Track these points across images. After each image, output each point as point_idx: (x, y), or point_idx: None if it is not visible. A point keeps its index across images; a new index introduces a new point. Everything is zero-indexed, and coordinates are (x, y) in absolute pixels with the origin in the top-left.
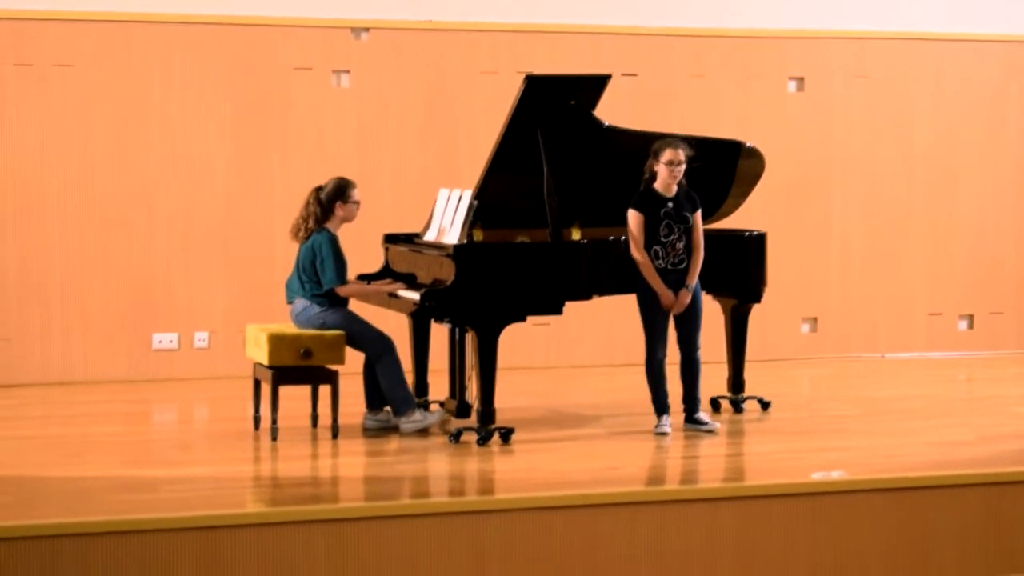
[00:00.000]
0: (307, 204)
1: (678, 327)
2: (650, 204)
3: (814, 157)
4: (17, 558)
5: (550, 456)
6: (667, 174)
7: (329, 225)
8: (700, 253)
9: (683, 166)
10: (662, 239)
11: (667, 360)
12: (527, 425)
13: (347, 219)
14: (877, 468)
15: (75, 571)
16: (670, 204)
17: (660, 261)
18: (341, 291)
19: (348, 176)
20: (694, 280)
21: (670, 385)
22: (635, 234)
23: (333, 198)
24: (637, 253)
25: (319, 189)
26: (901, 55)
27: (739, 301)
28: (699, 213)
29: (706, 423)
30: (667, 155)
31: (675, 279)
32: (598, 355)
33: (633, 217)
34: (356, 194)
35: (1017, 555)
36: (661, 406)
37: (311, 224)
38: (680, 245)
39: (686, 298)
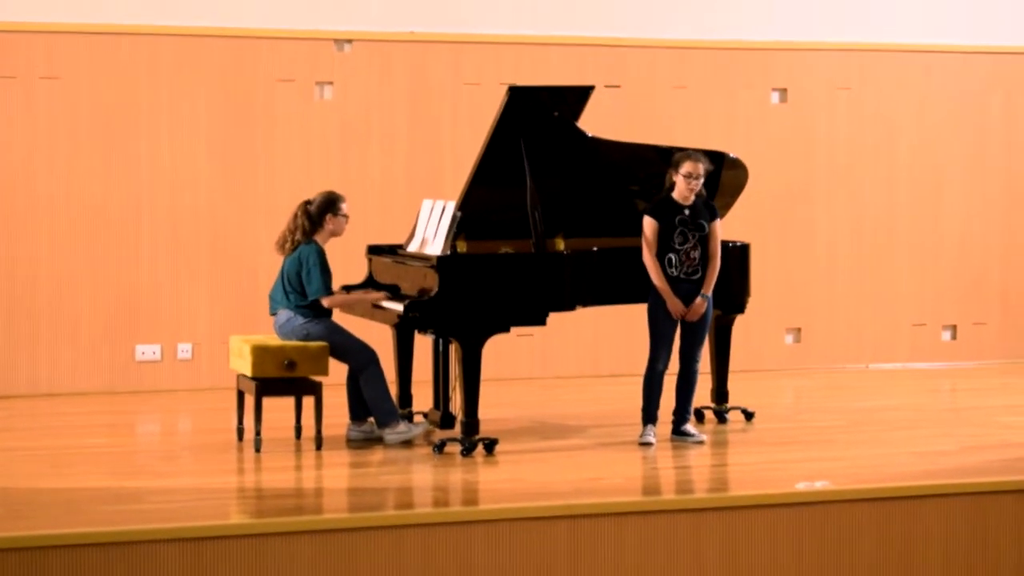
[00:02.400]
0: (295, 217)
1: (682, 338)
2: (666, 211)
3: (797, 168)
4: (6, 570)
5: (534, 467)
6: (684, 186)
7: (317, 238)
8: (716, 262)
9: (701, 179)
10: (676, 247)
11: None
12: (511, 436)
13: (336, 233)
14: (861, 478)
15: None
16: (686, 211)
17: (673, 270)
18: (326, 302)
19: (331, 187)
20: (710, 289)
21: (662, 396)
22: (648, 240)
23: (323, 211)
24: (648, 259)
25: (308, 203)
26: (884, 66)
27: (723, 312)
28: (717, 222)
29: (693, 434)
30: (686, 167)
31: (687, 289)
32: (582, 366)
33: (648, 223)
34: (345, 207)
35: (1001, 565)
36: (649, 416)
37: (298, 237)
38: (695, 255)
39: (701, 307)
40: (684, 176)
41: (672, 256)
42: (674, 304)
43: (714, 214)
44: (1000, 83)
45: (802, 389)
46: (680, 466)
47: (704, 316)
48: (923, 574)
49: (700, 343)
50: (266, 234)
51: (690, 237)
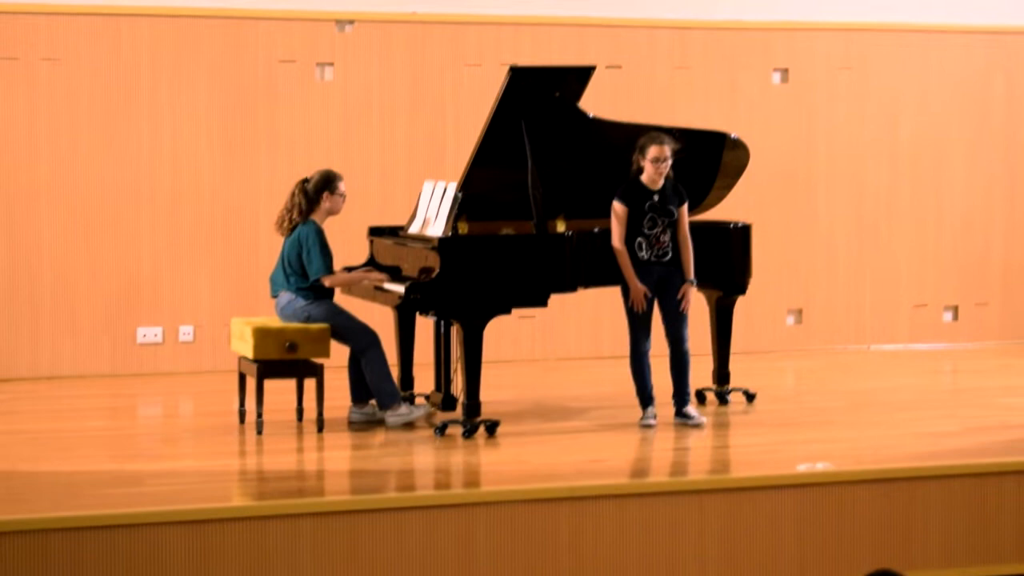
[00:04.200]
0: (292, 195)
1: (665, 321)
2: (635, 196)
3: (799, 149)
4: (8, 552)
5: (536, 449)
6: (652, 170)
7: (315, 217)
8: (688, 246)
9: (668, 162)
10: (646, 231)
11: (655, 352)
12: (513, 418)
13: (333, 211)
14: (862, 460)
15: (65, 565)
16: (656, 197)
17: (644, 253)
18: (327, 281)
19: (333, 168)
20: (691, 273)
21: (658, 378)
22: (616, 225)
23: (320, 189)
24: (617, 243)
25: (305, 181)
26: (886, 46)
27: (724, 293)
28: (685, 207)
29: (693, 417)
30: (652, 152)
31: (660, 272)
32: (583, 347)
33: (617, 208)
34: (342, 186)
35: (1002, 546)
36: (646, 398)
37: (295, 216)
38: (665, 238)
39: (690, 294)
40: (652, 161)
41: (642, 240)
42: (636, 292)
43: (683, 198)
44: (1002, 63)
45: (803, 370)
46: (681, 448)
47: (682, 297)
48: (924, 555)
49: (684, 323)
50: (267, 216)
51: (659, 222)
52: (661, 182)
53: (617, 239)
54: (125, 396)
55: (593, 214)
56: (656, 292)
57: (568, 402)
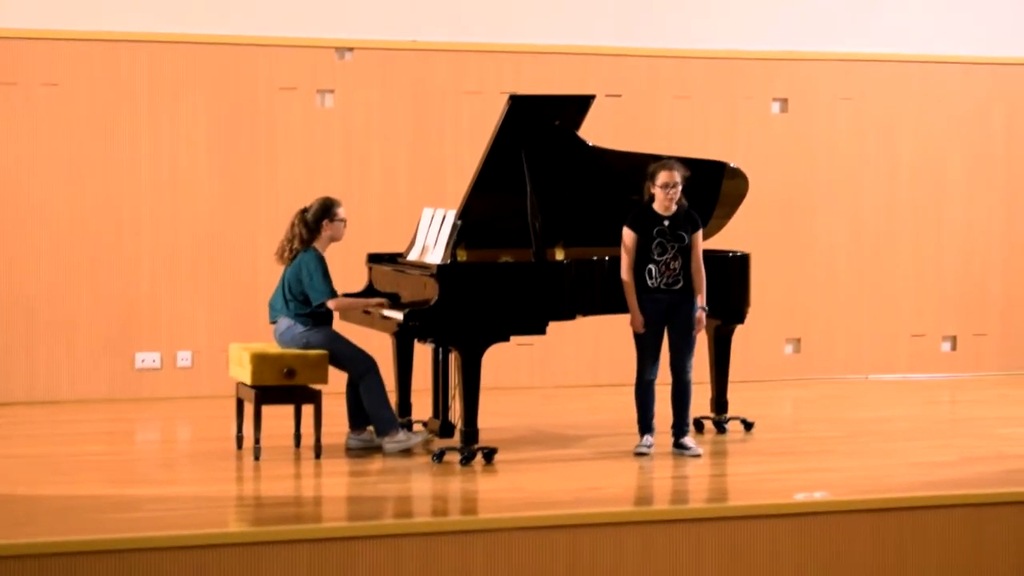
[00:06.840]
0: (292, 226)
1: (671, 350)
2: (644, 223)
3: (798, 178)
4: None
5: (533, 476)
6: (663, 196)
7: (316, 245)
8: (701, 273)
9: (679, 188)
10: (656, 258)
11: (658, 381)
12: (510, 445)
13: (335, 238)
14: (860, 489)
15: None
16: (665, 223)
17: (653, 281)
18: (332, 303)
19: (332, 196)
20: (704, 299)
21: (659, 406)
22: (624, 254)
23: (320, 217)
24: (624, 274)
25: (304, 211)
26: (885, 77)
27: (723, 322)
28: (699, 234)
29: (690, 448)
30: (662, 177)
31: (669, 300)
32: (582, 375)
33: (626, 235)
34: (342, 212)
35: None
36: (645, 426)
37: (296, 245)
38: (676, 265)
39: (703, 320)
40: (661, 187)
41: (652, 267)
42: (636, 320)
43: (696, 225)
44: (1001, 93)
45: (801, 399)
46: (679, 476)
47: (690, 327)
48: None
49: (689, 354)
50: (266, 242)
51: (669, 248)
52: (673, 208)
53: (625, 269)
54: (123, 421)
55: (592, 242)
56: (665, 320)
57: (566, 430)
